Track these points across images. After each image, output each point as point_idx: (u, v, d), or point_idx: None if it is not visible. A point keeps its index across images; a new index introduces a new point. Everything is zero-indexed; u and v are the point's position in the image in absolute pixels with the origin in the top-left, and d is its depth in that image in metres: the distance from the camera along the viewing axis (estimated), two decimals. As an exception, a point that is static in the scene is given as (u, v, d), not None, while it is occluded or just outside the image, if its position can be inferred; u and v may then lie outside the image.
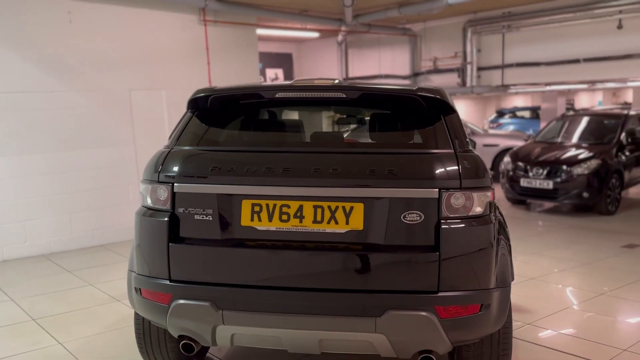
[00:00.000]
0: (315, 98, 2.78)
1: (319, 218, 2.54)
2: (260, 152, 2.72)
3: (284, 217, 2.57)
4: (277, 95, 2.77)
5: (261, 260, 2.57)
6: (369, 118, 3.01)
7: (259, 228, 2.59)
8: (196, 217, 2.64)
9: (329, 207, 2.54)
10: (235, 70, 8.34)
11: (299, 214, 2.56)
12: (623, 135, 9.01)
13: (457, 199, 2.50)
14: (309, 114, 3.36)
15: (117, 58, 7.16)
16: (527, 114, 19.94)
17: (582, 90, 19.24)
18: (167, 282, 2.65)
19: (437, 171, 2.51)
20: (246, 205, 2.60)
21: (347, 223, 2.53)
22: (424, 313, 2.46)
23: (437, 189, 2.48)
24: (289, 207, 2.57)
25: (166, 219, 2.65)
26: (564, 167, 8.42)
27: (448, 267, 2.47)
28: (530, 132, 15.06)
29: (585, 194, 8.31)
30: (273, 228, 2.58)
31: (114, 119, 7.16)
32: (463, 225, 2.50)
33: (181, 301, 2.62)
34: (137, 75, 7.32)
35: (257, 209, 2.59)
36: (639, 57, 10.40)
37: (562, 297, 4.97)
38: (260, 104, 3.05)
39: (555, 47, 11.31)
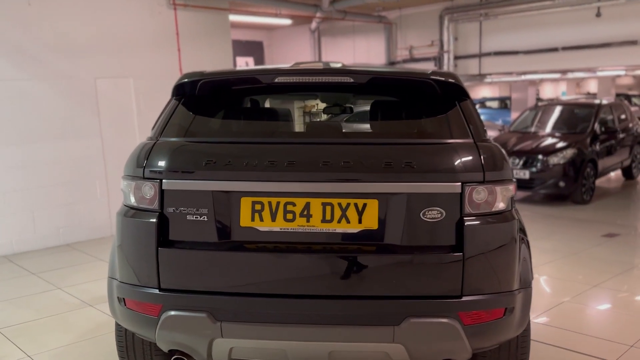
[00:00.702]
0: (319, 83, 2.50)
1: (328, 217, 2.28)
2: (260, 144, 2.43)
3: (289, 216, 2.30)
4: (276, 80, 2.48)
5: (264, 265, 2.29)
6: (377, 105, 2.75)
7: (261, 229, 2.31)
8: (189, 217, 2.34)
9: (340, 204, 2.28)
10: (208, 57, 7.95)
11: (305, 213, 2.29)
12: (597, 124, 9.04)
13: (480, 194, 2.28)
14: (310, 101, 3.07)
15: (82, 44, 6.69)
16: (495, 104, 20.07)
17: (558, 80, 19.45)
18: (157, 291, 2.35)
19: (459, 163, 2.28)
20: (246, 204, 2.32)
21: (359, 222, 2.27)
22: (446, 320, 2.23)
23: (460, 183, 2.25)
24: (294, 204, 2.29)
25: (154, 220, 2.35)
26: (540, 156, 8.38)
27: (472, 269, 2.25)
28: (500, 122, 15.11)
29: (562, 183, 8.30)
30: (277, 229, 2.31)
31: (78, 109, 6.70)
32: (487, 222, 2.28)
33: (173, 312, 2.33)
34: (103, 63, 6.87)
35: (258, 207, 2.31)
36: (618, 45, 10.47)
37: (555, 290, 4.85)
38: (256, 90, 2.75)
39: (533, 36, 11.29)
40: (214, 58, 8.02)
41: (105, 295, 4.78)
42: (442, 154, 2.32)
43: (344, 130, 2.63)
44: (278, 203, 2.30)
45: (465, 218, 2.26)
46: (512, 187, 2.38)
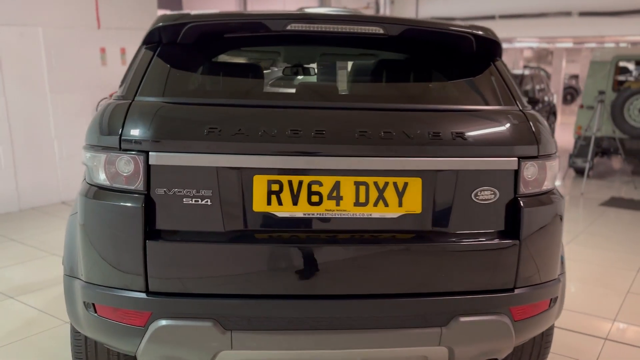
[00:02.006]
0: (341, 34, 2.02)
1: (362, 199, 1.87)
2: (278, 108, 1.94)
3: (315, 198, 1.86)
4: (288, 28, 1.97)
5: (284, 260, 1.85)
6: (411, 64, 2.31)
7: (279, 214, 1.86)
8: (186, 201, 1.83)
9: (376, 183, 1.87)
10: (129, 6, 7.02)
11: (335, 194, 1.86)
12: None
13: (533, 170, 1.97)
14: (325, 57, 2.56)
15: (-24, -17, 5.59)
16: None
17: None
18: (144, 295, 1.83)
19: (515, 135, 1.95)
20: (260, 183, 1.84)
21: (400, 205, 1.89)
22: (498, 317, 1.94)
23: (517, 158, 1.92)
24: (320, 184, 1.86)
25: (139, 204, 1.81)
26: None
27: (526, 258, 1.96)
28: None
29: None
30: (299, 214, 1.86)
31: (-26, 61, 5.63)
32: (540, 203, 1.99)
33: (166, 321, 1.83)
34: (4, 8, 5.81)
35: (275, 187, 1.85)
36: (555, 15, 10.65)
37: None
38: (259, 41, 2.23)
39: (472, 2, 11.22)
40: (136, 8, 7.10)
41: (30, 284, 4.16)
42: (495, 123, 1.97)
43: (376, 93, 2.18)
44: (301, 182, 1.85)
45: (519, 199, 1.94)
46: (556, 163, 2.10)
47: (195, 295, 1.84)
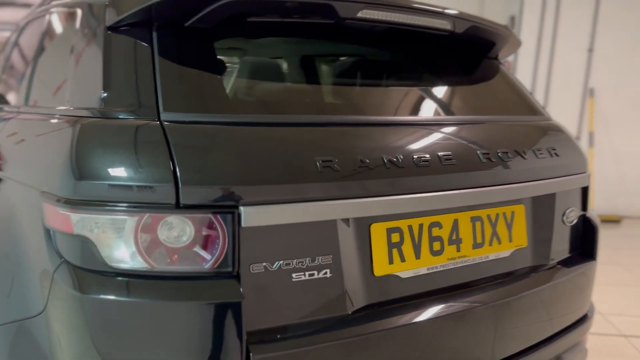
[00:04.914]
0: (408, 27, 1.54)
1: (479, 239, 1.50)
2: (380, 126, 1.41)
3: (436, 245, 1.41)
4: (359, 15, 1.41)
5: (415, 340, 1.34)
6: (467, 67, 1.84)
7: (403, 275, 1.35)
8: (297, 277, 1.18)
9: (489, 217, 1.53)
10: None
11: (454, 237, 1.45)
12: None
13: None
14: (390, 56, 1.86)
15: None
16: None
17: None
18: None
19: (579, 148, 1.82)
20: (379, 235, 1.31)
21: (510, 240, 1.57)
22: (583, 347, 1.79)
23: (587, 173, 1.80)
24: (440, 226, 1.42)
25: (232, 296, 1.09)
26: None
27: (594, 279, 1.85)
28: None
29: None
30: (423, 270, 1.39)
31: None
32: (594, 218, 1.90)
33: None
34: None
35: (396, 238, 1.34)
36: None
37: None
38: (306, 31, 1.57)
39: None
40: None
41: None
42: (564, 135, 1.81)
43: (463, 103, 1.72)
44: (421, 227, 1.38)
45: (586, 215, 1.83)
46: None
47: None
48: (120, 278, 1.09)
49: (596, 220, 1.83)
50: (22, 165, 1.45)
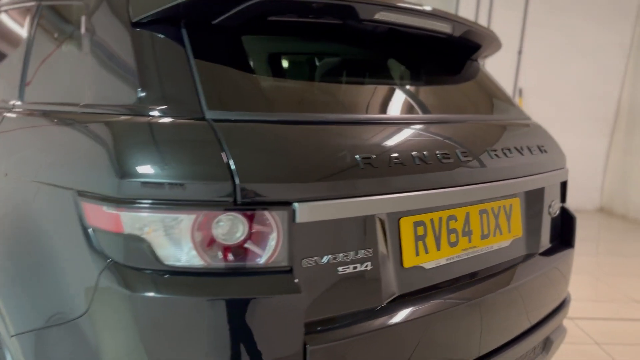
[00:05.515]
0: (416, 30, 1.60)
1: (485, 230, 1.60)
2: (406, 124, 1.46)
3: (452, 237, 1.50)
4: (376, 17, 1.47)
5: (448, 326, 1.42)
6: (459, 68, 1.91)
7: (427, 266, 1.43)
8: (342, 270, 1.22)
9: (493, 209, 1.64)
10: None
11: (467, 229, 1.54)
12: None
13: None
14: (398, 57, 1.87)
15: None
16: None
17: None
18: None
19: (558, 145, 1.98)
20: (407, 228, 1.38)
21: (509, 230, 1.69)
22: (563, 327, 1.96)
23: (565, 168, 1.96)
24: (455, 219, 1.51)
25: (289, 288, 1.12)
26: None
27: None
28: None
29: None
30: (443, 261, 1.47)
31: None
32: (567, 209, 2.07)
33: None
34: None
35: (420, 231, 1.41)
36: None
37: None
38: (323, 31, 1.59)
39: None
40: None
41: None
42: (545, 133, 1.95)
43: (456, 103, 1.80)
44: (440, 220, 1.47)
45: (564, 207, 1.99)
46: None
47: None
48: (176, 276, 1.08)
49: (573, 211, 2.00)
50: (41, 164, 1.36)
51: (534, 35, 6.72)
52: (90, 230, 1.14)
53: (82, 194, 1.16)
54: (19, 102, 1.66)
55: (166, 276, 1.08)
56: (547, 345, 1.81)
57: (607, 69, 6.71)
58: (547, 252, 1.84)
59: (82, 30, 1.45)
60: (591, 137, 6.87)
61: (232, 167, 1.09)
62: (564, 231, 1.97)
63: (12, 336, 1.26)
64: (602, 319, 3.43)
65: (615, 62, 6.72)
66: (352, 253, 1.23)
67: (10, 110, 1.66)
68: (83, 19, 1.45)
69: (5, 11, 1.99)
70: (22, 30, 1.79)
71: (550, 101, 6.84)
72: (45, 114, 1.48)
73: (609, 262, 4.89)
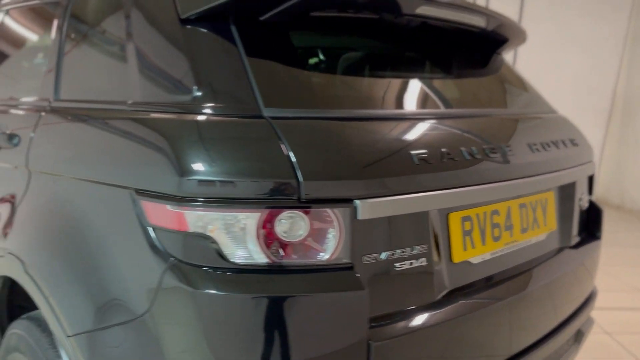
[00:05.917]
0: (449, 24, 1.60)
1: (524, 224, 1.61)
2: (450, 119, 1.47)
3: (496, 232, 1.50)
4: (417, 11, 1.46)
5: (496, 322, 1.43)
6: (492, 62, 1.94)
7: (474, 261, 1.43)
8: (400, 266, 1.22)
9: (531, 204, 1.65)
10: None
11: (508, 224, 1.55)
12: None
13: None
14: (433, 51, 1.85)
15: None
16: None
17: None
18: None
19: (586, 138, 1.99)
20: (456, 223, 1.38)
21: (545, 223, 1.71)
22: (591, 318, 1.99)
23: (593, 161, 1.98)
24: (498, 213, 1.51)
25: (353, 285, 1.12)
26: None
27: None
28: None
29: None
30: (488, 255, 1.48)
31: None
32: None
33: None
34: None
35: (467, 226, 1.42)
36: None
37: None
38: (365, 26, 1.58)
39: None
40: None
41: None
42: (574, 127, 1.97)
43: (492, 97, 1.80)
44: (485, 215, 1.47)
45: (591, 200, 2.00)
46: None
47: None
48: (240, 274, 1.07)
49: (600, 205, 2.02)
50: (93, 163, 1.33)
51: (531, 29, 6.74)
52: (150, 229, 1.12)
53: (140, 192, 1.14)
54: (54, 100, 1.63)
55: (230, 274, 1.07)
56: (578, 336, 1.84)
57: (602, 62, 6.77)
58: (577, 245, 1.86)
59: (123, 25, 1.42)
60: (587, 128, 6.84)
61: (295, 164, 1.08)
62: (590, 224, 1.98)
63: (69, 337, 1.24)
64: (610, 309, 3.48)
65: (611, 54, 6.79)
66: (408, 249, 1.23)
67: (45, 109, 1.63)
68: (123, 15, 1.42)
69: (31, 7, 1.95)
70: (51, 27, 1.75)
71: (547, 94, 6.85)
72: (88, 113, 1.45)
73: (608, 252, 4.96)
